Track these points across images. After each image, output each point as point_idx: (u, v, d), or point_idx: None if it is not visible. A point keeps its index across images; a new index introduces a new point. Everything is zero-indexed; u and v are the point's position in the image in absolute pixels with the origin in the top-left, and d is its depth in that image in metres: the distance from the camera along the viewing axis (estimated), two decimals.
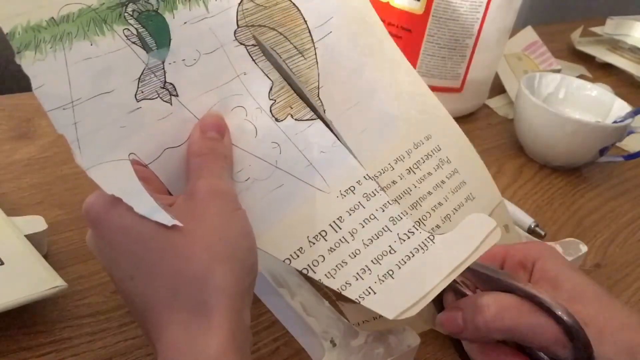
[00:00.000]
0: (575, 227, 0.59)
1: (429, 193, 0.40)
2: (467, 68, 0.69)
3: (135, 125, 0.31)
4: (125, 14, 0.31)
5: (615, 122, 0.67)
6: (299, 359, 0.40)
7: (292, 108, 0.36)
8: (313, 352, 0.40)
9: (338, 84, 0.39)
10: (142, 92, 0.32)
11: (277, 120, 0.36)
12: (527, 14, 1.06)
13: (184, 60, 0.33)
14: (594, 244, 0.57)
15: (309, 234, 0.34)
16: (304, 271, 0.33)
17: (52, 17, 0.29)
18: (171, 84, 0.33)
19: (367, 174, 0.37)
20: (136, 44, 0.32)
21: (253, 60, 0.36)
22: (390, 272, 0.34)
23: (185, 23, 0.33)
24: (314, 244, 0.34)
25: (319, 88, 0.38)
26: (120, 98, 0.31)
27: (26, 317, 0.38)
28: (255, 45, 0.36)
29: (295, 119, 0.36)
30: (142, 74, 0.32)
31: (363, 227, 0.35)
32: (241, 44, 0.35)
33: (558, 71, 0.86)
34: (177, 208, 0.30)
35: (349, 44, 0.41)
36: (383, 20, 0.68)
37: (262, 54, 0.36)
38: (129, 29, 0.31)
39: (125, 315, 0.40)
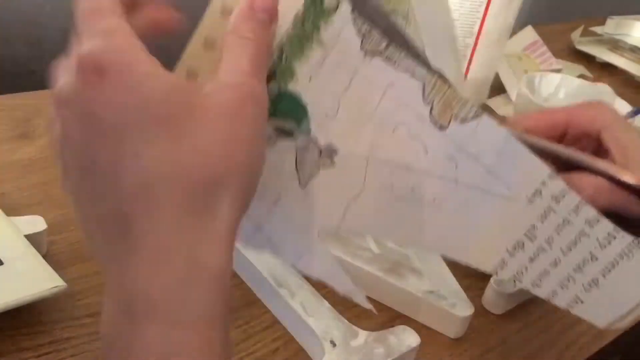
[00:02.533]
0: None
1: None
2: (467, 68, 0.69)
3: (314, 206, 0.31)
4: None
5: None
6: (299, 359, 0.40)
7: (452, 107, 0.32)
8: (313, 352, 0.40)
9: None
10: (303, 175, 0.31)
11: (441, 127, 0.32)
12: (527, 14, 1.06)
13: (326, 115, 0.32)
14: None
15: (506, 245, 0.32)
16: (514, 279, 0.32)
17: None
18: (326, 146, 0.31)
19: (550, 172, 0.33)
20: (280, 138, 0.31)
21: (393, 64, 0.32)
22: (595, 281, 0.32)
23: (310, 78, 0.31)
24: (513, 255, 0.32)
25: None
26: (290, 198, 0.31)
27: (26, 317, 0.38)
28: (386, 45, 0.32)
29: (461, 120, 0.32)
30: (296, 161, 0.31)
31: (558, 234, 0.33)
32: (372, 54, 0.32)
33: (558, 71, 0.86)
34: (209, 96, 0.26)
35: None
36: None
37: (395, 49, 0.32)
38: None
39: None
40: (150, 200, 0.24)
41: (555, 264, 0.32)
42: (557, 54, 0.93)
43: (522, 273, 0.32)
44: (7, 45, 0.74)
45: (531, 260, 0.32)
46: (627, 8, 1.10)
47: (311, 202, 0.32)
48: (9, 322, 0.38)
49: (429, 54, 0.34)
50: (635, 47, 0.97)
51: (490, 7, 0.65)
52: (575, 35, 1.01)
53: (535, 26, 0.94)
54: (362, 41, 0.31)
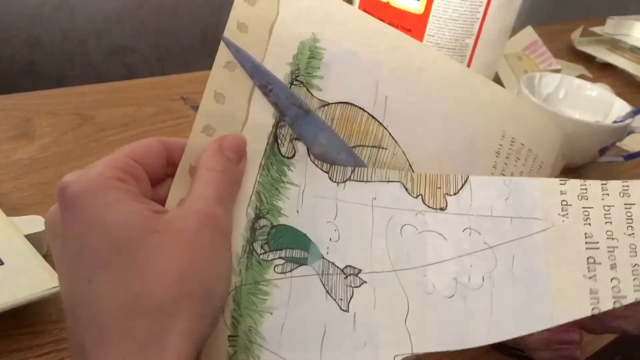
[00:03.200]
0: None
1: None
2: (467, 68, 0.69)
3: (368, 327, 0.31)
4: (266, 259, 0.31)
5: (615, 122, 0.67)
6: None
7: (440, 187, 0.32)
8: None
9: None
10: (340, 298, 0.31)
11: (442, 209, 0.32)
12: (527, 14, 1.06)
13: (330, 239, 0.32)
14: None
15: (582, 273, 0.29)
16: (615, 301, 0.29)
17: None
18: (346, 267, 0.32)
19: (560, 180, 0.31)
20: (296, 267, 0.32)
21: (365, 181, 0.33)
22: None
23: (298, 212, 0.32)
24: (594, 276, 0.29)
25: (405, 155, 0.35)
26: (337, 328, 0.30)
27: (26, 317, 0.38)
28: (351, 171, 0.33)
29: (454, 194, 0.32)
30: (324, 286, 0.31)
31: (614, 223, 0.30)
32: (342, 181, 0.33)
33: (558, 71, 0.86)
34: (167, 222, 0.26)
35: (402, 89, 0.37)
36: (382, 20, 0.68)
37: (362, 171, 0.33)
38: (276, 265, 0.31)
39: None
40: (101, 331, 0.24)
41: (635, 251, 0.29)
42: (556, 54, 0.93)
43: (617, 286, 0.28)
44: (7, 45, 0.74)
45: (613, 266, 0.29)
46: (627, 8, 1.10)
47: (361, 325, 0.31)
48: (9, 322, 0.38)
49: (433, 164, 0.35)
50: (635, 47, 0.97)
51: (490, 7, 0.65)
52: (575, 35, 1.01)
53: (535, 26, 0.94)
54: (328, 176, 0.33)
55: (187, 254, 0.26)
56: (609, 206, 0.31)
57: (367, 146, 0.34)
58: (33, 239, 0.41)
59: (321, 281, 0.32)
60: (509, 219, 0.31)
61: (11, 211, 0.44)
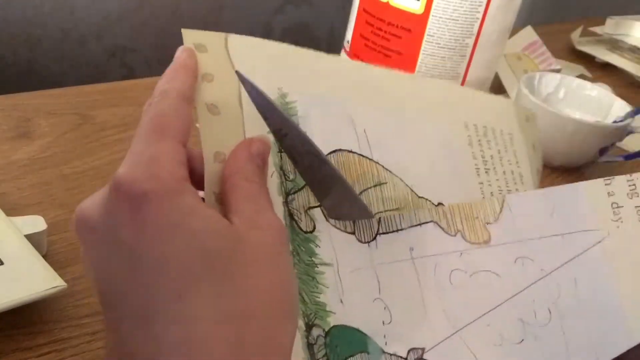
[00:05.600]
0: None
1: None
2: (467, 68, 0.69)
3: None
4: None
5: (615, 122, 0.67)
6: None
7: (478, 217, 0.31)
8: None
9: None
10: None
11: (486, 242, 0.30)
12: (527, 14, 1.06)
13: (383, 323, 0.30)
14: None
15: None
16: None
17: None
18: (410, 351, 0.30)
19: (605, 179, 0.30)
20: None
21: (397, 230, 0.31)
22: None
23: (341, 301, 0.29)
24: None
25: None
26: None
27: (26, 317, 0.38)
28: (377, 224, 0.31)
29: (494, 220, 0.31)
30: None
31: None
32: (372, 238, 0.31)
33: (558, 71, 0.86)
34: (245, 233, 0.24)
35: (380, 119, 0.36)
36: (382, 20, 0.68)
37: (388, 220, 0.31)
38: None
39: None
40: (202, 351, 0.21)
41: None
42: (556, 54, 0.93)
43: None
44: (7, 45, 0.74)
45: None
46: (627, 8, 1.10)
47: None
48: (9, 322, 0.38)
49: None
50: (635, 47, 0.97)
51: (490, 7, 0.65)
52: (575, 35, 1.01)
53: (535, 26, 0.93)
54: (355, 237, 0.30)
55: (277, 268, 0.24)
56: None
57: (370, 187, 0.32)
58: (33, 239, 0.41)
59: None
60: (560, 236, 0.29)
61: (11, 211, 0.44)
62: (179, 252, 0.22)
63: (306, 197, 0.31)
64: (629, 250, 0.28)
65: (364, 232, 0.31)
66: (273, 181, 0.30)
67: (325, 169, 0.29)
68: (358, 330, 0.29)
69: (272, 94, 0.31)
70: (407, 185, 0.33)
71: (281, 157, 0.30)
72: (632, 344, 0.27)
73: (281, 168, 0.30)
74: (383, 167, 0.33)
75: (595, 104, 0.70)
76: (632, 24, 0.99)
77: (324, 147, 0.31)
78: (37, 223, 0.42)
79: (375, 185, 0.32)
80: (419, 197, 0.33)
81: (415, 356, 0.29)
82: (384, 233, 0.31)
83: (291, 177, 0.30)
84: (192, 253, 0.22)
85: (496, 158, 0.36)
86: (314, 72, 0.33)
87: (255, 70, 0.30)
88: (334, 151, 0.32)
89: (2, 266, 0.38)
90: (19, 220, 0.42)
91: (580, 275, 0.28)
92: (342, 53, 0.76)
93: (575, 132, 0.63)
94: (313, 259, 0.29)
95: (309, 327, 0.28)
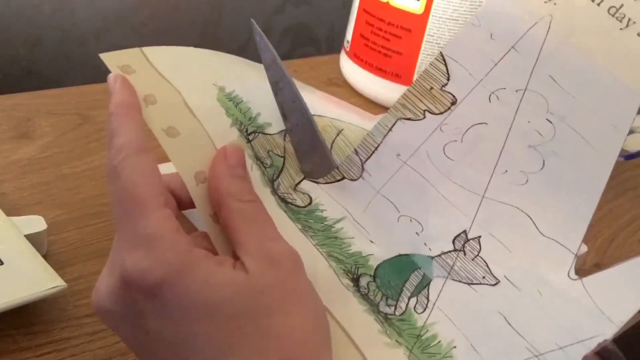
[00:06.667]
0: None
1: None
2: None
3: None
4: (402, 312, 0.28)
5: None
6: None
7: (431, 88, 0.30)
8: None
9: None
10: (481, 277, 0.29)
11: (453, 104, 0.30)
12: None
13: (417, 233, 0.30)
14: (594, 244, 0.57)
15: None
16: None
17: None
18: (457, 237, 0.29)
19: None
20: (430, 293, 0.29)
21: (395, 175, 0.31)
22: None
23: (370, 236, 0.30)
24: None
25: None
26: (508, 306, 0.28)
27: (26, 317, 0.38)
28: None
29: (458, 100, 0.30)
30: (466, 283, 0.29)
31: None
32: (374, 192, 0.31)
33: None
34: (261, 278, 0.24)
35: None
36: (382, 20, 0.68)
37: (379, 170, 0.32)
38: (415, 307, 0.29)
39: None
40: None
41: None
42: None
43: None
44: (7, 45, 0.74)
45: None
46: None
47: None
48: (9, 322, 0.38)
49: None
50: None
51: None
52: None
53: None
54: (348, 179, 0.31)
55: (305, 305, 0.24)
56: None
57: (335, 138, 0.33)
58: (33, 239, 0.41)
59: (456, 280, 0.29)
60: (512, 50, 0.29)
61: (11, 211, 0.44)
62: (207, 327, 0.22)
63: (289, 176, 0.31)
64: (578, 16, 0.28)
65: (350, 171, 0.31)
66: (255, 174, 0.30)
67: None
68: (400, 256, 0.29)
69: (210, 90, 0.31)
70: (355, 124, 0.34)
71: (252, 146, 0.30)
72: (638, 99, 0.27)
73: (256, 157, 0.30)
74: (331, 118, 0.33)
75: None
76: None
77: (279, 123, 0.32)
78: (37, 223, 0.42)
79: (337, 135, 0.33)
80: (363, 128, 0.33)
81: (462, 241, 0.29)
82: (367, 159, 0.31)
83: (268, 162, 0.31)
84: (219, 324, 0.22)
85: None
86: (239, 64, 0.34)
87: (186, 72, 0.31)
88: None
89: (2, 266, 0.38)
90: (19, 220, 0.42)
91: (553, 68, 0.28)
92: (342, 53, 0.76)
93: None
94: (325, 223, 0.30)
95: (356, 280, 0.29)
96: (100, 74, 0.30)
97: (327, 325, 0.25)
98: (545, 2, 0.29)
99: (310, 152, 0.31)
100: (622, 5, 0.27)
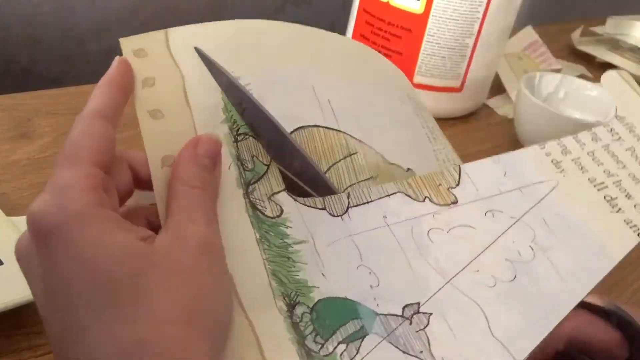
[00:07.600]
0: None
1: None
2: (467, 68, 0.69)
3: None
4: (328, 353, 0.28)
5: None
6: None
7: (439, 184, 0.32)
8: None
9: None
10: (419, 352, 0.28)
11: (454, 203, 0.32)
12: (527, 14, 1.06)
13: (371, 287, 0.30)
14: None
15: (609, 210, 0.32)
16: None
17: None
18: (407, 306, 0.29)
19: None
20: (362, 345, 0.28)
21: (366, 198, 0.32)
22: None
23: (323, 274, 0.29)
24: (615, 207, 0.33)
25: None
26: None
27: (26, 317, 0.38)
28: (347, 194, 0.31)
29: (457, 185, 0.32)
30: (402, 350, 0.28)
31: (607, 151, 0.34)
32: (344, 210, 0.31)
33: (558, 71, 0.86)
34: (162, 252, 0.24)
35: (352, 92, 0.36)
36: (382, 20, 0.68)
37: (359, 188, 0.32)
38: (341, 354, 0.28)
39: None
40: None
41: (637, 177, 0.33)
42: (557, 54, 0.93)
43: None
44: (7, 45, 0.74)
45: (628, 195, 0.32)
46: (627, 8, 1.10)
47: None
48: (8, 322, 0.38)
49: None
50: (635, 47, 0.97)
51: (490, 7, 0.65)
52: (575, 35, 1.01)
53: (535, 26, 0.93)
54: (327, 212, 0.31)
55: (191, 287, 0.23)
56: (591, 152, 0.34)
57: (340, 160, 0.32)
58: None
59: (392, 344, 0.28)
60: (518, 190, 0.32)
61: (11, 211, 0.44)
62: (82, 285, 0.22)
63: (268, 184, 0.30)
64: (580, 193, 0.32)
65: (334, 207, 0.31)
66: (231, 173, 0.29)
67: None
68: (345, 299, 0.29)
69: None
70: (377, 152, 0.34)
71: (237, 147, 0.30)
72: (612, 264, 0.30)
73: (238, 158, 0.30)
74: (351, 136, 0.33)
75: (595, 104, 0.70)
76: (633, 23, 0.99)
77: (286, 125, 0.31)
78: None
79: (345, 157, 0.33)
80: (390, 163, 0.34)
81: (412, 311, 0.29)
82: (354, 206, 0.31)
83: (250, 166, 0.30)
84: (95, 284, 0.22)
85: (435, 128, 0.39)
86: (266, 46, 0.33)
87: (201, 61, 0.30)
88: (297, 129, 0.32)
89: (2, 266, 0.38)
90: (19, 220, 0.42)
91: (548, 215, 0.31)
92: None
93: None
94: (285, 240, 0.29)
95: (292, 306, 0.28)
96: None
97: (215, 322, 0.24)
98: (556, 172, 0.33)
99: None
100: (617, 197, 0.32)
